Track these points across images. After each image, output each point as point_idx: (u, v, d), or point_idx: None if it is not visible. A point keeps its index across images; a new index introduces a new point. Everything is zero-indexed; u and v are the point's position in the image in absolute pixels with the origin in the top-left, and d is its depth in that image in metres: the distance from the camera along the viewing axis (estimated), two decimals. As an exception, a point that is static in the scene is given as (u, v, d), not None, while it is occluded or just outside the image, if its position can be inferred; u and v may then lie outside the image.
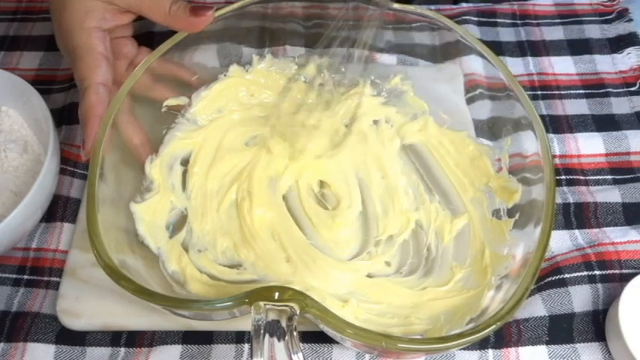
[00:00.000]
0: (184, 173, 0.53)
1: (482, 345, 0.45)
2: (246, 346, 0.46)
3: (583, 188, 0.54)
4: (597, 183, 0.55)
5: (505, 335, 0.46)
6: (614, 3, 0.67)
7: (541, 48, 0.64)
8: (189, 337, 0.46)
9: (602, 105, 0.60)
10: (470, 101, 0.57)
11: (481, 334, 0.37)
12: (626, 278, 0.46)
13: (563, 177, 0.55)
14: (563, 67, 0.63)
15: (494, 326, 0.37)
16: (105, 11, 0.49)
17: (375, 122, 0.57)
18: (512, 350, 0.45)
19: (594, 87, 0.61)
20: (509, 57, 0.64)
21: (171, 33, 0.51)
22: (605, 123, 0.58)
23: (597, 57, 0.63)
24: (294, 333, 0.35)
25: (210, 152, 0.54)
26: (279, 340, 0.35)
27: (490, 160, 0.52)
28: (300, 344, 0.36)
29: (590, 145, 0.57)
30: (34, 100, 0.51)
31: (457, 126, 0.55)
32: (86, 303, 0.46)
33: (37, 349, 0.45)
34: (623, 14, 0.66)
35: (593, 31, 0.65)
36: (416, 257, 0.49)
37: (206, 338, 0.46)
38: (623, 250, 0.49)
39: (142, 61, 0.51)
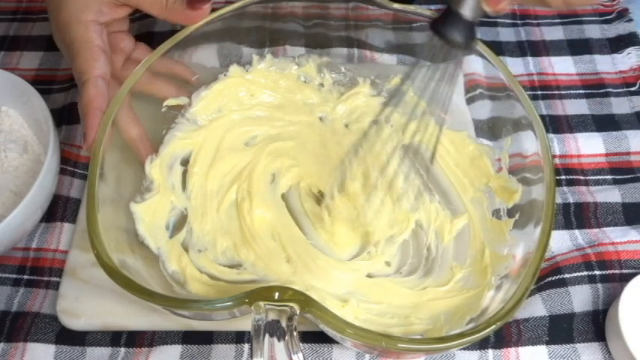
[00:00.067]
0: (184, 173, 0.53)
1: (482, 345, 0.45)
2: (246, 346, 0.46)
3: (583, 188, 0.54)
4: (597, 183, 0.55)
5: (505, 335, 0.46)
6: (614, 3, 0.67)
7: (541, 48, 0.64)
8: (189, 337, 0.46)
9: (602, 105, 0.60)
10: (470, 101, 0.57)
11: (481, 334, 0.37)
12: (626, 278, 0.46)
13: (563, 177, 0.55)
14: (563, 67, 0.63)
15: (494, 326, 0.37)
16: (101, 4, 0.49)
17: (375, 122, 0.57)
18: (512, 350, 0.45)
19: (594, 87, 0.61)
20: (509, 57, 0.64)
21: (171, 33, 0.51)
22: (605, 123, 0.58)
23: (597, 57, 0.63)
24: (294, 333, 0.35)
25: (210, 152, 0.54)
26: (279, 340, 0.35)
27: (490, 160, 0.52)
28: (300, 344, 0.36)
29: (590, 145, 0.57)
30: (34, 100, 0.51)
31: (457, 126, 0.55)
32: (86, 303, 0.46)
33: (37, 349, 0.45)
34: (623, 14, 0.66)
35: (593, 31, 0.65)
36: (416, 257, 0.49)
37: (206, 338, 0.46)
38: (623, 250, 0.49)
39: (138, 57, 0.51)
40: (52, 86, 0.61)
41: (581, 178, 0.55)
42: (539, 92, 0.61)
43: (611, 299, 0.47)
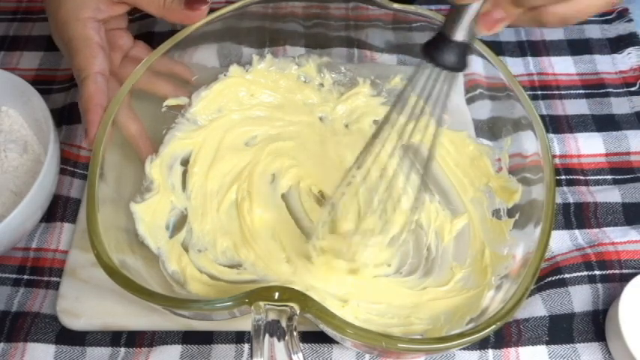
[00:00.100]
0: (184, 173, 0.53)
1: (482, 345, 0.45)
2: (246, 346, 0.46)
3: (583, 188, 0.54)
4: (597, 183, 0.55)
5: (505, 335, 0.46)
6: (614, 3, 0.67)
7: (541, 48, 0.64)
8: (189, 337, 0.46)
9: (602, 105, 0.60)
10: (470, 101, 0.57)
11: (481, 334, 0.37)
12: (626, 278, 0.46)
13: (563, 177, 0.55)
14: (563, 67, 0.63)
15: (494, 326, 0.37)
16: (99, 2, 0.49)
17: (375, 122, 0.57)
18: (512, 350, 0.45)
19: (594, 87, 0.61)
20: (509, 57, 0.64)
21: (171, 33, 0.51)
22: (605, 123, 0.58)
23: (597, 57, 0.63)
24: (294, 333, 0.35)
25: (210, 152, 0.54)
26: (279, 340, 0.35)
27: (490, 160, 0.52)
28: (300, 344, 0.36)
29: (590, 145, 0.57)
30: (34, 100, 0.51)
31: (457, 126, 0.55)
32: (86, 303, 0.46)
33: (37, 349, 0.45)
34: (623, 14, 0.66)
35: (594, 31, 0.65)
36: (416, 257, 0.49)
37: (206, 338, 0.46)
38: (623, 250, 0.49)
39: (137, 55, 0.52)
40: (52, 86, 0.61)
41: (581, 178, 0.55)
42: (539, 92, 0.61)
43: (611, 299, 0.47)
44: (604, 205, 0.53)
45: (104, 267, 0.39)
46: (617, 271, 0.48)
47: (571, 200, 0.53)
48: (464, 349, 0.45)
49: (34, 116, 0.53)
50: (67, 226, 0.51)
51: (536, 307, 0.47)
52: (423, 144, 0.55)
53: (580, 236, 0.51)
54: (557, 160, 0.56)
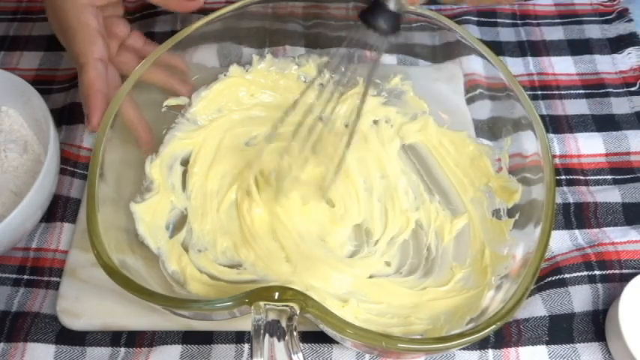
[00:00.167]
0: (184, 173, 0.53)
1: (482, 345, 0.45)
2: (246, 346, 0.46)
3: (583, 188, 0.54)
4: (597, 183, 0.55)
5: (505, 335, 0.46)
6: (615, 3, 0.68)
7: (541, 48, 0.64)
8: (189, 337, 0.46)
9: (602, 105, 0.60)
10: (470, 101, 0.57)
11: (481, 334, 0.37)
12: (626, 278, 0.46)
13: (563, 177, 0.55)
14: (563, 67, 0.63)
15: (494, 326, 0.37)
16: None
17: (375, 122, 0.57)
18: (512, 350, 0.45)
19: (594, 87, 0.61)
20: (509, 57, 0.64)
21: (171, 33, 0.51)
22: (605, 123, 0.58)
23: (597, 57, 0.63)
24: (294, 333, 0.35)
25: (210, 152, 0.54)
26: (279, 340, 0.35)
27: (490, 160, 0.52)
28: (300, 344, 0.36)
29: (590, 145, 0.57)
30: (34, 100, 0.51)
31: (457, 126, 0.55)
32: (86, 303, 0.46)
33: (37, 349, 0.45)
34: (623, 14, 0.66)
35: (594, 31, 0.65)
36: (416, 257, 0.49)
37: (206, 338, 0.46)
38: (623, 250, 0.49)
39: (133, 44, 0.53)
40: (52, 86, 0.61)
41: (581, 178, 0.55)
42: (539, 92, 0.61)
43: (611, 299, 0.47)
44: (604, 205, 0.53)
45: (104, 267, 0.39)
46: (617, 271, 0.48)
47: (571, 200, 0.53)
48: (464, 349, 0.45)
49: (34, 116, 0.53)
50: (67, 226, 0.51)
51: (536, 307, 0.47)
52: (424, 144, 0.56)
53: (580, 236, 0.51)
54: (557, 160, 0.56)
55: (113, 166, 0.45)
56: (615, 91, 0.61)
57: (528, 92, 0.59)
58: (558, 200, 0.53)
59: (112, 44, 0.52)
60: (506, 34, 0.66)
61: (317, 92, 0.50)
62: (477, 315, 0.43)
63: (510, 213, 0.48)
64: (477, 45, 0.51)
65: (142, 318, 0.46)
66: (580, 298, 0.47)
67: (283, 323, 0.36)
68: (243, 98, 0.57)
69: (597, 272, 0.48)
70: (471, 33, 0.57)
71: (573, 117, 0.59)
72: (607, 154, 0.56)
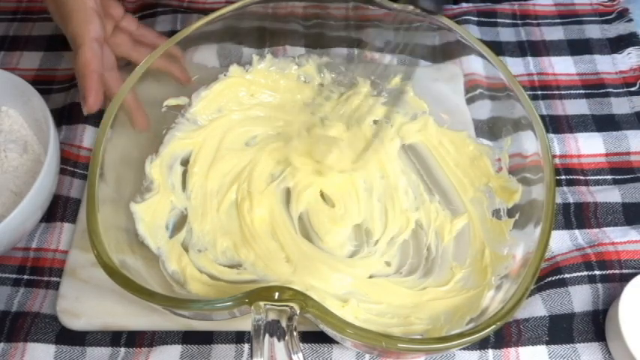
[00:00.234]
0: (184, 173, 0.53)
1: (482, 345, 0.45)
2: (246, 346, 0.46)
3: (583, 188, 0.54)
4: (597, 183, 0.55)
5: (505, 335, 0.46)
6: (615, 3, 0.68)
7: (541, 48, 0.64)
8: (189, 337, 0.46)
9: (602, 105, 0.60)
10: (470, 101, 0.57)
11: (481, 334, 0.37)
12: (626, 278, 0.46)
13: (563, 177, 0.55)
14: (563, 67, 0.63)
15: (494, 326, 0.37)
16: None
17: (375, 122, 0.57)
18: (512, 350, 0.45)
19: (594, 87, 0.61)
20: (509, 57, 0.64)
21: (171, 33, 0.51)
22: (605, 123, 0.58)
23: (597, 57, 0.63)
24: (294, 333, 0.35)
25: (210, 152, 0.54)
26: (279, 340, 0.35)
27: (490, 160, 0.52)
28: (300, 344, 0.36)
29: (590, 145, 0.57)
30: (34, 100, 0.51)
31: (457, 126, 0.55)
32: (86, 303, 0.46)
33: (37, 349, 0.45)
34: (623, 14, 0.66)
35: (594, 31, 0.65)
36: (416, 257, 0.50)
37: (206, 338, 0.46)
38: (623, 250, 0.49)
39: (126, 26, 0.53)
40: (52, 86, 0.61)
41: (581, 178, 0.55)
42: (539, 92, 0.61)
43: (611, 299, 0.47)
44: (604, 205, 0.53)
45: (104, 267, 0.39)
46: (617, 271, 0.48)
47: (571, 200, 0.53)
48: (464, 349, 0.45)
49: (34, 116, 0.53)
50: (67, 226, 0.51)
51: (536, 307, 0.47)
52: (424, 144, 0.56)
53: (580, 236, 0.51)
54: (557, 160, 0.56)
55: (113, 166, 0.45)
56: (615, 91, 0.61)
57: (528, 92, 0.59)
58: (558, 200, 0.53)
59: (107, 25, 0.52)
60: (506, 34, 0.66)
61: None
62: (477, 315, 0.43)
63: (510, 213, 0.48)
64: (477, 45, 0.51)
65: (141, 318, 0.46)
66: (580, 298, 0.47)
67: (283, 323, 0.36)
68: (243, 98, 0.57)
69: (597, 272, 0.48)
70: (471, 33, 0.57)
71: (573, 117, 0.59)
72: (607, 154, 0.56)
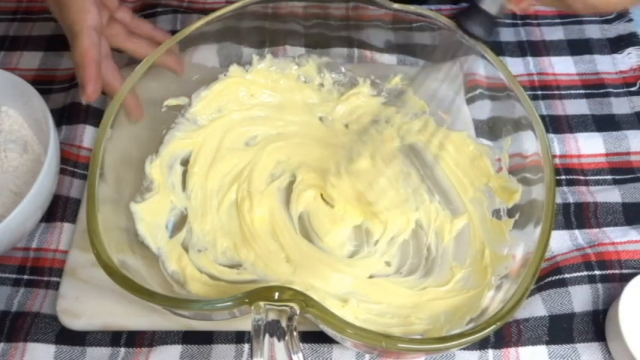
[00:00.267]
0: (184, 173, 0.53)
1: (482, 345, 0.45)
2: (246, 346, 0.46)
3: (583, 188, 0.54)
4: (597, 183, 0.55)
5: (505, 335, 0.46)
6: (615, 3, 0.67)
7: (541, 48, 0.64)
8: (189, 337, 0.46)
9: (602, 105, 0.60)
10: (470, 101, 0.57)
11: (481, 334, 0.37)
12: (626, 278, 0.46)
13: (563, 177, 0.55)
14: (563, 67, 0.63)
15: (494, 326, 0.37)
16: None
17: (375, 122, 0.57)
18: (512, 350, 0.45)
19: (594, 87, 0.61)
20: (509, 57, 0.64)
21: (171, 33, 0.51)
22: (605, 123, 0.58)
23: (597, 57, 0.63)
24: (294, 333, 0.35)
25: (210, 152, 0.54)
26: (279, 340, 0.35)
27: (490, 160, 0.52)
28: (300, 344, 0.36)
29: (590, 145, 0.57)
30: (34, 100, 0.51)
31: (457, 126, 0.55)
32: (86, 303, 0.46)
33: (37, 349, 0.45)
34: (623, 14, 0.66)
35: (594, 31, 0.65)
36: (416, 257, 0.50)
37: (206, 338, 0.46)
38: (623, 250, 0.49)
39: (122, 18, 0.53)
40: (52, 86, 0.61)
41: (581, 178, 0.55)
42: (539, 92, 0.61)
43: (611, 299, 0.47)
44: (604, 205, 0.53)
45: (104, 267, 0.39)
46: (617, 271, 0.48)
47: (571, 200, 0.53)
48: (464, 349, 0.45)
49: (34, 116, 0.53)
50: (67, 226, 0.51)
51: (536, 307, 0.47)
52: (424, 144, 0.56)
53: (580, 236, 0.51)
54: (557, 160, 0.56)
55: (113, 166, 0.45)
56: (615, 91, 0.61)
57: (528, 92, 0.59)
58: (558, 200, 0.53)
59: (103, 15, 0.52)
60: (506, 34, 0.66)
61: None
62: (477, 315, 0.43)
63: (510, 213, 0.48)
64: (477, 45, 0.51)
65: (141, 318, 0.46)
66: (580, 298, 0.47)
67: (283, 323, 0.36)
68: (243, 98, 0.57)
69: (597, 272, 0.48)
70: (471, 33, 0.57)
71: (573, 117, 0.59)
72: (607, 154, 0.56)
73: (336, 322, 0.36)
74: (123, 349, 0.46)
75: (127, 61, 0.62)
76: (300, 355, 0.35)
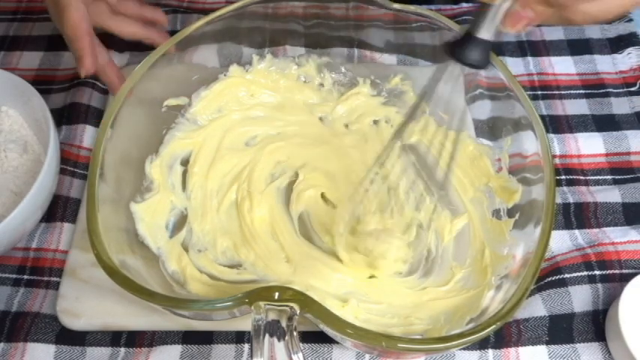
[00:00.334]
0: (184, 173, 0.53)
1: (482, 345, 0.45)
2: (246, 346, 0.46)
3: (583, 188, 0.54)
4: (597, 183, 0.55)
5: (505, 335, 0.46)
6: (614, 3, 0.67)
7: (541, 48, 0.64)
8: (189, 337, 0.46)
9: (602, 105, 0.60)
10: (470, 101, 0.57)
11: (481, 334, 0.37)
12: (626, 278, 0.46)
13: (563, 177, 0.55)
14: (563, 67, 0.63)
15: (494, 326, 0.37)
16: None
17: (375, 122, 0.57)
18: (512, 350, 0.45)
19: (594, 87, 0.61)
20: (509, 57, 0.64)
21: (171, 33, 0.51)
22: (605, 123, 0.58)
23: (597, 57, 0.63)
24: (294, 333, 0.35)
25: (210, 152, 0.54)
26: (279, 340, 0.35)
27: (490, 160, 0.52)
28: (300, 344, 0.36)
29: (590, 145, 0.57)
30: (34, 100, 0.51)
31: (457, 126, 0.55)
32: (86, 303, 0.46)
33: (37, 349, 0.45)
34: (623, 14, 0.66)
35: (594, 31, 0.65)
36: (416, 257, 0.49)
37: (206, 338, 0.46)
38: (623, 250, 0.49)
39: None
40: (52, 86, 0.61)
41: (581, 178, 0.55)
42: (539, 92, 0.61)
43: (611, 299, 0.47)
44: (604, 205, 0.53)
45: (104, 267, 0.39)
46: (617, 271, 0.48)
47: (571, 200, 0.53)
48: (464, 349, 0.45)
49: (34, 116, 0.53)
50: (67, 226, 0.51)
51: (536, 307, 0.47)
52: (424, 144, 0.56)
53: (580, 236, 0.51)
54: (557, 160, 0.56)
55: (113, 166, 0.45)
56: (615, 91, 0.61)
57: (528, 92, 0.59)
58: (558, 200, 0.53)
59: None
60: (506, 34, 0.65)
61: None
62: (477, 315, 0.43)
63: (510, 213, 0.48)
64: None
65: (141, 318, 0.46)
66: (580, 298, 0.47)
67: (283, 323, 0.36)
68: (243, 98, 0.57)
69: (597, 272, 0.48)
70: (471, 33, 0.57)
71: (573, 117, 0.59)
72: (607, 154, 0.56)
73: (336, 322, 0.36)
74: (123, 349, 0.46)
75: (127, 61, 0.63)
76: (300, 355, 0.35)
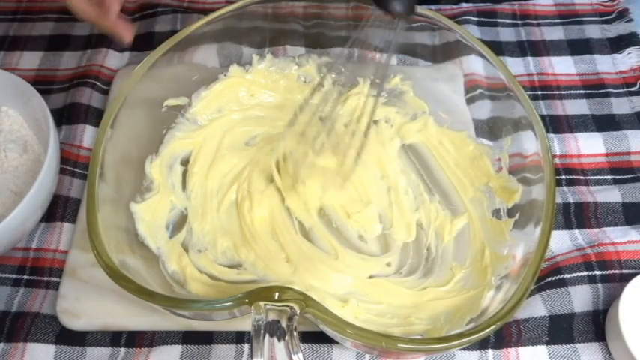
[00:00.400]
0: (184, 173, 0.53)
1: (482, 345, 0.45)
2: (246, 346, 0.46)
3: (583, 188, 0.54)
4: (597, 183, 0.55)
5: (505, 335, 0.46)
6: (615, 3, 0.68)
7: (541, 48, 0.64)
8: (189, 337, 0.46)
9: (602, 105, 0.60)
10: (470, 101, 0.57)
11: (481, 334, 0.37)
12: (626, 278, 0.46)
13: (563, 177, 0.55)
14: (563, 67, 0.63)
15: (494, 326, 0.37)
16: None
17: (375, 122, 0.57)
18: (512, 350, 0.45)
19: (594, 87, 0.61)
20: (509, 57, 0.64)
21: (171, 33, 0.51)
22: (605, 123, 0.58)
23: (597, 57, 0.63)
24: (294, 333, 0.35)
25: (210, 152, 0.54)
26: (279, 340, 0.35)
27: (490, 160, 0.52)
28: (300, 344, 0.36)
29: (590, 145, 0.57)
30: (34, 100, 0.51)
31: (457, 126, 0.55)
32: (86, 303, 0.46)
33: (37, 349, 0.45)
34: (623, 14, 0.66)
35: (594, 31, 0.65)
36: (416, 257, 0.50)
37: (206, 338, 0.46)
38: (623, 250, 0.49)
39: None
40: (52, 86, 0.61)
41: (581, 178, 0.55)
42: (539, 92, 0.61)
43: (611, 299, 0.47)
44: (604, 205, 0.53)
45: (104, 267, 0.39)
46: (617, 271, 0.48)
47: (571, 200, 0.53)
48: (464, 349, 0.45)
49: (34, 116, 0.53)
50: (67, 226, 0.51)
51: (536, 307, 0.47)
52: (424, 144, 0.56)
53: (580, 236, 0.51)
54: (557, 160, 0.56)
55: (113, 166, 0.45)
56: (615, 91, 0.61)
57: (528, 92, 0.59)
58: (558, 200, 0.53)
59: None
60: (506, 34, 0.66)
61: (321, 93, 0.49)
62: (477, 315, 0.43)
63: (510, 213, 0.49)
64: (477, 45, 0.51)
65: (141, 318, 0.46)
66: (580, 298, 0.47)
67: (283, 323, 0.36)
68: (243, 98, 0.57)
69: (597, 272, 0.48)
70: (471, 33, 0.57)
71: (573, 117, 0.59)
72: (607, 154, 0.56)
73: (336, 322, 0.36)
74: (123, 349, 0.46)
75: (127, 61, 0.63)
76: (300, 355, 0.35)
